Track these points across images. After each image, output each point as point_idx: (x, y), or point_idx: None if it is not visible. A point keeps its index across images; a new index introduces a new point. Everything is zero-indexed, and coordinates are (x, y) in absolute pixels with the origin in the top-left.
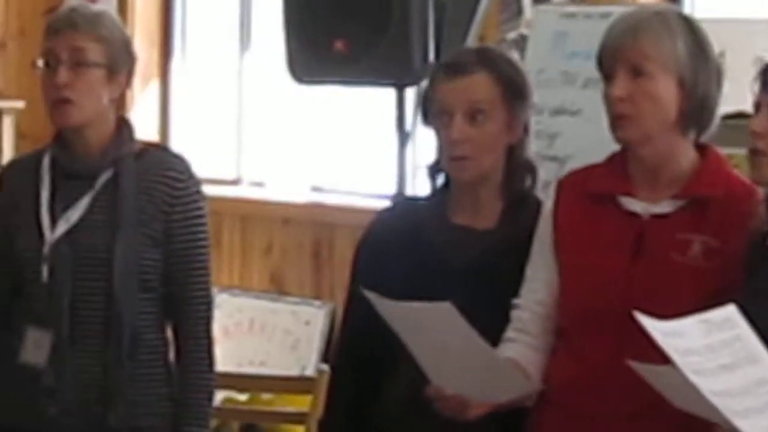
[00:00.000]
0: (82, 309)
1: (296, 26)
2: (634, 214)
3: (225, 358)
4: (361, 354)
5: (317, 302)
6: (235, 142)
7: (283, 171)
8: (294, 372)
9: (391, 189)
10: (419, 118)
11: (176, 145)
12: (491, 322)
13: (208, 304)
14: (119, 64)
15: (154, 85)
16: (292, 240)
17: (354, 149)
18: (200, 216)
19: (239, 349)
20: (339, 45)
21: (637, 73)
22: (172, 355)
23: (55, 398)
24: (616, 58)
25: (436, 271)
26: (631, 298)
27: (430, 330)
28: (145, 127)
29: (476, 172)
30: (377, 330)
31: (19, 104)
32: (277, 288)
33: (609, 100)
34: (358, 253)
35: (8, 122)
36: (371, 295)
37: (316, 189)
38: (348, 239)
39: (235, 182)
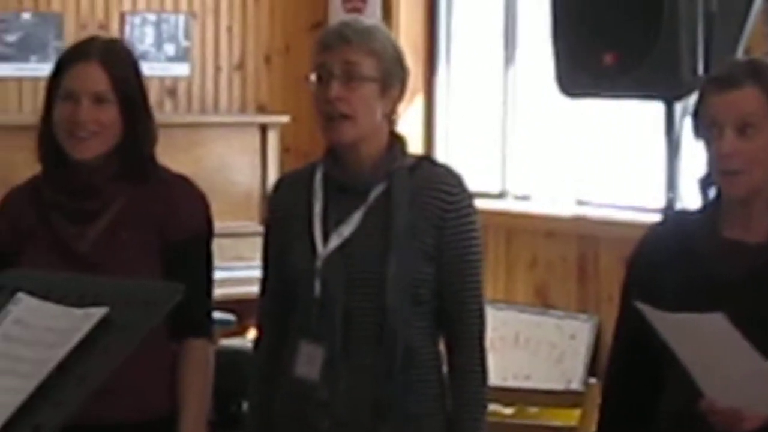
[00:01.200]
0: (354, 323)
1: (565, 40)
2: None
3: (491, 371)
4: (634, 367)
5: (582, 316)
6: (499, 155)
7: (548, 184)
8: (559, 386)
9: (656, 202)
10: (688, 131)
11: (441, 158)
12: (763, 336)
13: (481, 317)
14: (392, 77)
15: (419, 99)
16: (557, 253)
17: (618, 162)
18: (473, 229)
19: (504, 362)
20: (608, 58)
21: None
22: (445, 369)
23: (329, 412)
24: None
25: (706, 284)
26: None
27: (703, 342)
28: (410, 141)
29: (747, 187)
30: (649, 343)
31: (284, 119)
32: (542, 301)
33: None
34: (630, 266)
35: (273, 136)
36: (644, 307)
37: (581, 202)
38: (613, 253)
39: (500, 195)
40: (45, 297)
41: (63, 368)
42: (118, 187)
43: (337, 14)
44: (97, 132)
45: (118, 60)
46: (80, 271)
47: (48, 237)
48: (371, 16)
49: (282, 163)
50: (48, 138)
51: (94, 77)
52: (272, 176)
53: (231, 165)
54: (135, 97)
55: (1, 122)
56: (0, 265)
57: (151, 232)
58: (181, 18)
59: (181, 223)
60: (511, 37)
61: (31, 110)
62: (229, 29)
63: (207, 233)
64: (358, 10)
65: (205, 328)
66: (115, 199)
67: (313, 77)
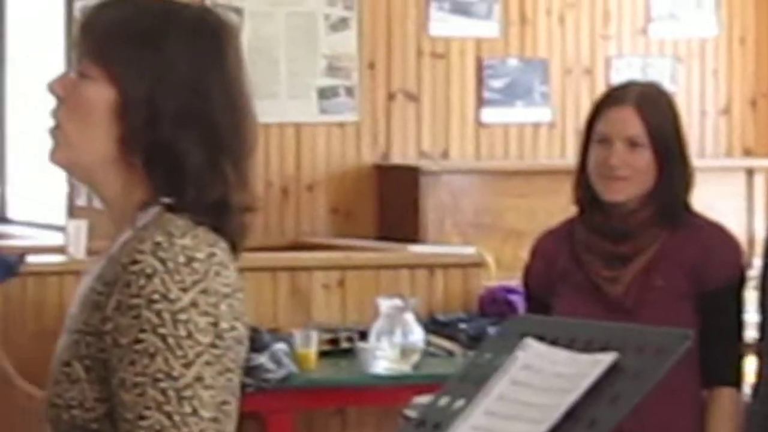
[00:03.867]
0: None
1: None
2: None
3: None
4: None
5: None
6: None
7: None
8: None
9: None
10: None
11: None
12: None
13: None
14: None
15: None
16: None
17: None
18: None
19: None
20: None
21: None
22: None
23: None
24: None
25: None
26: None
27: None
28: None
29: None
30: None
31: None
32: None
33: None
34: None
35: (760, 181)
36: None
37: None
38: None
39: None
40: (553, 342)
41: (571, 414)
42: (652, 232)
43: None
44: (629, 176)
45: (653, 105)
46: (613, 316)
47: (581, 279)
48: None
49: None
50: (583, 180)
51: (627, 122)
52: (758, 220)
53: (716, 209)
54: (670, 143)
55: (486, 167)
56: (535, 309)
57: (684, 279)
58: (667, 62)
59: (716, 271)
60: None
61: (516, 155)
62: (715, 73)
63: (740, 281)
64: None
65: (735, 377)
66: (649, 244)
67: None
